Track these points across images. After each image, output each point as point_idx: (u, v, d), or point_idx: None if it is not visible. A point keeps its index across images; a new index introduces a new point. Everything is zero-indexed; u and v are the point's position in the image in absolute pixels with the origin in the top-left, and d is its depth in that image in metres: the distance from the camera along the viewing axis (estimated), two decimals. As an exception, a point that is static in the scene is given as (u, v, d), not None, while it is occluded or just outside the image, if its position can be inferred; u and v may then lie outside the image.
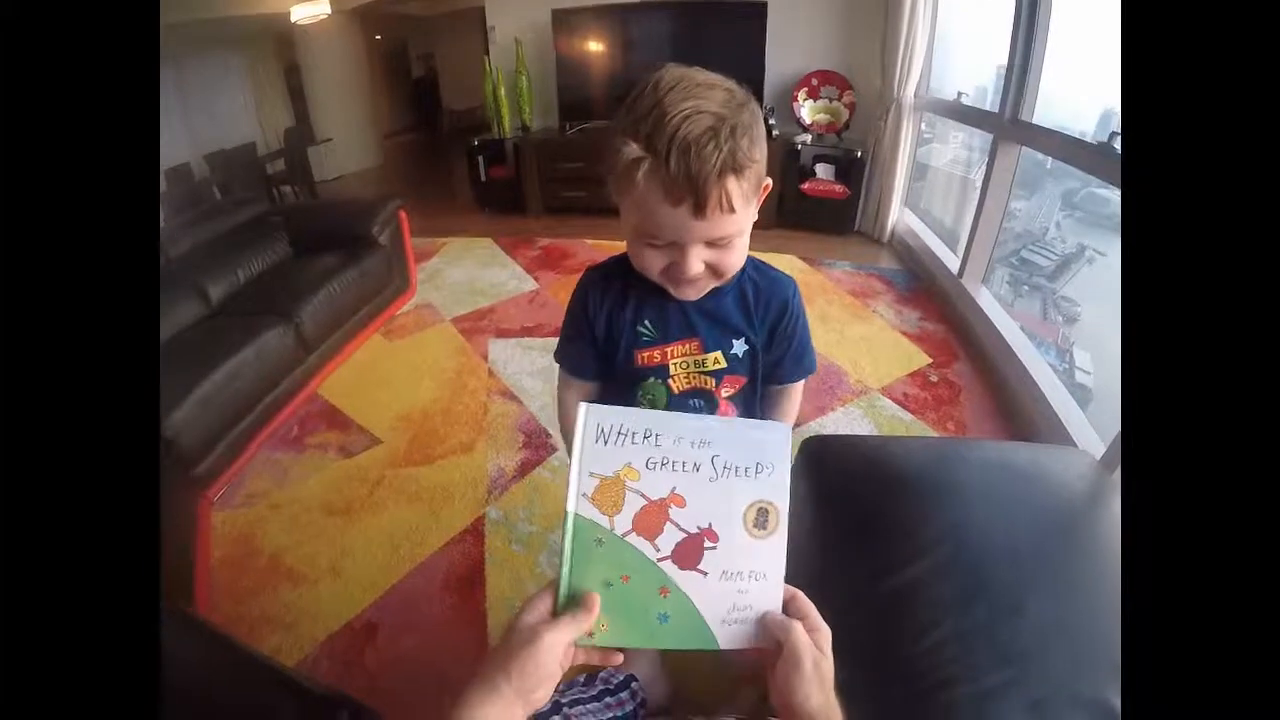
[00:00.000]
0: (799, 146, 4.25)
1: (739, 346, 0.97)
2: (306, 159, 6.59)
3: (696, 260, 0.79)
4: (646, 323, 0.95)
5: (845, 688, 1.06)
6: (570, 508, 0.61)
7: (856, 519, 1.23)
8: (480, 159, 4.98)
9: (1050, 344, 2.82)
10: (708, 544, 0.63)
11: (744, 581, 0.64)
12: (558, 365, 1.07)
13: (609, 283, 0.97)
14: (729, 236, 0.78)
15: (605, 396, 1.04)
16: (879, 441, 1.67)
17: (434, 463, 2.25)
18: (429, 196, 5.77)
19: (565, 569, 0.61)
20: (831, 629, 1.14)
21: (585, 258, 3.88)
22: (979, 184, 3.03)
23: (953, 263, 3.24)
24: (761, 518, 0.64)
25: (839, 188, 4.20)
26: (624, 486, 0.61)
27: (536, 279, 3.74)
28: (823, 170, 4.28)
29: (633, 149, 0.72)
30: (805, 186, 4.26)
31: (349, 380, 2.81)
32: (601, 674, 1.08)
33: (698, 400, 0.99)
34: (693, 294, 0.89)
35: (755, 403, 1.05)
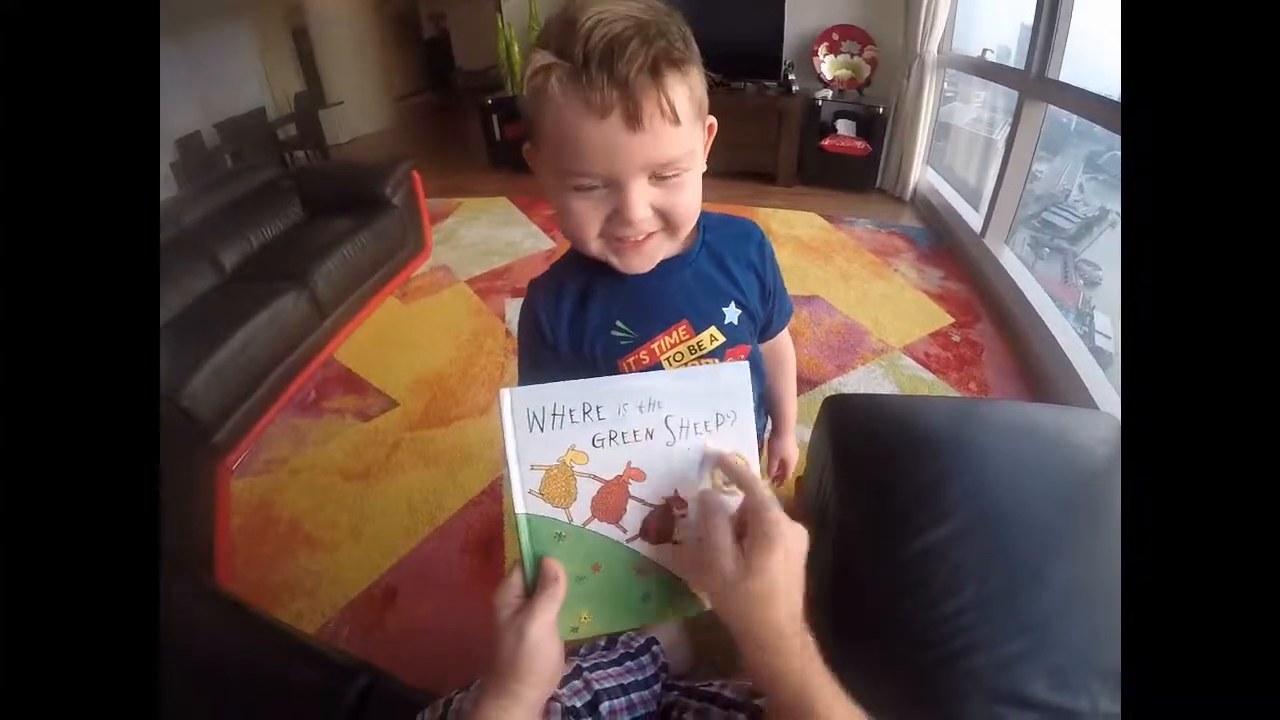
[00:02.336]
0: (819, 103, 4.12)
1: (731, 313, 0.82)
2: (318, 123, 6.52)
3: (641, 199, 0.62)
4: (619, 323, 0.78)
5: (867, 655, 1.06)
6: (518, 509, 0.55)
7: (878, 479, 1.20)
8: (494, 117, 4.90)
9: (1071, 307, 2.76)
10: (678, 512, 0.58)
11: None
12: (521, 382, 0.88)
13: (559, 288, 0.81)
14: (676, 162, 0.61)
15: None
16: (901, 401, 1.63)
17: (451, 425, 2.24)
18: (443, 157, 5.68)
19: (528, 566, 0.56)
20: (854, 592, 1.10)
21: (603, 216, 3.80)
22: (1002, 144, 2.95)
23: (976, 222, 3.17)
24: (728, 472, 0.59)
25: (860, 144, 4.09)
26: (572, 473, 0.55)
27: (553, 237, 3.68)
28: (843, 126, 4.16)
29: (541, 56, 0.58)
30: (826, 143, 4.15)
31: (365, 344, 2.79)
32: (622, 637, 1.07)
33: None
34: (643, 262, 0.71)
35: (761, 369, 0.96)
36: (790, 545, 0.54)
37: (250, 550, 1.82)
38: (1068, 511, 1.13)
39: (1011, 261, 2.81)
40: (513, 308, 2.93)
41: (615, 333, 0.78)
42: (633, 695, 0.92)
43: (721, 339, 0.81)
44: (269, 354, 2.32)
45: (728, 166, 4.32)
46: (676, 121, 0.59)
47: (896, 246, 3.38)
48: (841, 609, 1.18)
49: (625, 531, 0.57)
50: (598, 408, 0.54)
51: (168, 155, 4.91)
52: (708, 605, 0.60)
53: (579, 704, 0.84)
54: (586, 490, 0.56)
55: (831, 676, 0.57)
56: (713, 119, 0.68)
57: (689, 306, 0.79)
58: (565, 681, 0.87)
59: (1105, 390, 2.00)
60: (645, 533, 0.58)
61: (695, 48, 0.62)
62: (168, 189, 3.02)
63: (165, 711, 0.90)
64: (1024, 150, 2.73)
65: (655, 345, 0.79)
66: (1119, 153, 3.14)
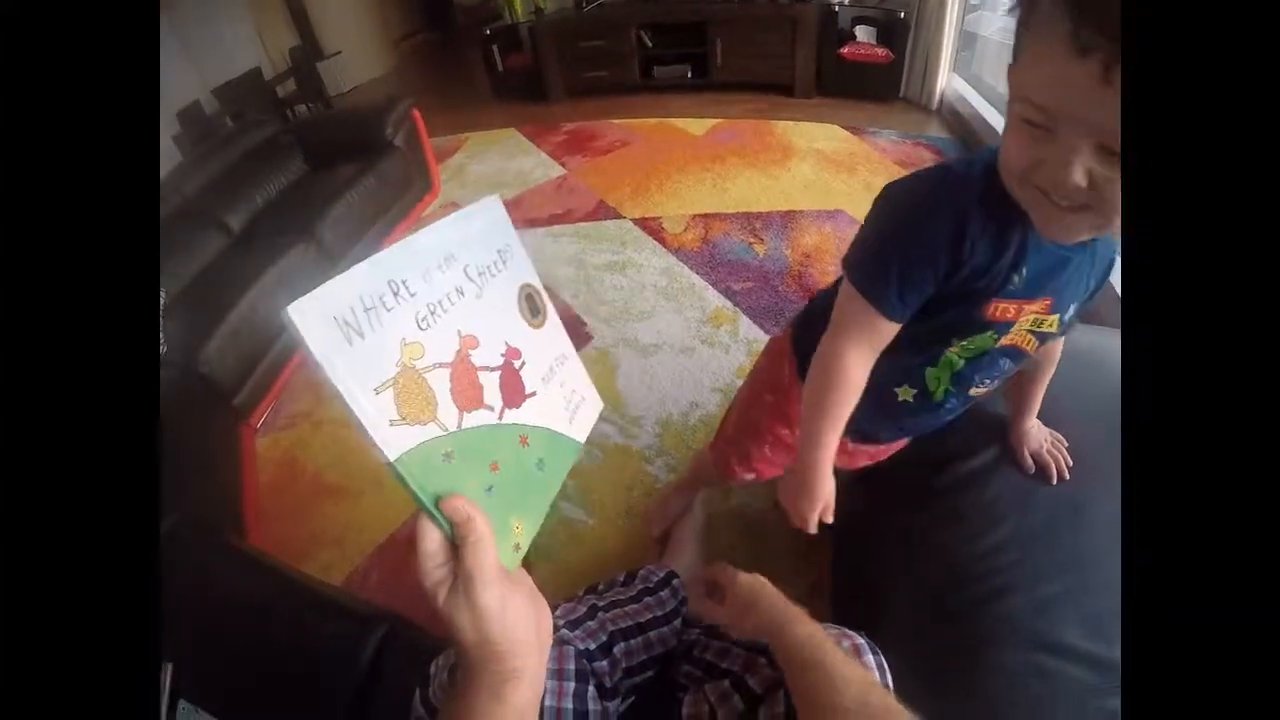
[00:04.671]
0: (835, 8, 3.87)
1: (1072, 310, 0.78)
2: (318, 75, 6.37)
3: (1079, 166, 0.53)
4: (1023, 270, 0.70)
5: (902, 597, 0.99)
6: (388, 456, 0.43)
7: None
8: (495, 48, 4.73)
9: None
10: (516, 363, 0.54)
11: (560, 375, 0.59)
12: (860, 293, 0.74)
13: (993, 206, 0.67)
14: None
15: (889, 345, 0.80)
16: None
17: (471, 364, 2.20)
18: (448, 94, 5.54)
19: (434, 515, 0.45)
20: (891, 523, 1.07)
21: (613, 138, 3.68)
22: None
23: None
24: (530, 304, 0.57)
25: (881, 51, 3.84)
26: (417, 373, 0.45)
27: (563, 164, 3.55)
28: (863, 33, 3.92)
29: None
30: (845, 51, 3.90)
31: (380, 288, 2.74)
32: (641, 572, 1.04)
33: (1008, 360, 0.82)
34: (1061, 233, 0.65)
35: None
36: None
37: (279, 504, 1.81)
38: (1111, 441, 1.05)
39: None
40: (525, 239, 2.76)
41: (1014, 274, 0.70)
42: (650, 634, 0.90)
43: (1055, 329, 0.78)
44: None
45: (741, 78, 4.14)
46: None
47: (924, 158, 3.20)
48: (871, 543, 1.13)
49: (492, 409, 0.50)
50: (404, 282, 0.45)
51: (169, 129, 4.82)
52: (580, 439, 0.60)
53: (593, 646, 0.83)
54: (441, 385, 0.47)
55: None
56: None
57: (1064, 288, 0.74)
58: (579, 623, 0.86)
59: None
60: (508, 399, 0.52)
61: None
62: (172, 161, 2.97)
63: (194, 667, 0.91)
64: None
65: (1028, 305, 0.74)
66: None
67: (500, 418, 0.51)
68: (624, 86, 4.41)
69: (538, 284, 0.58)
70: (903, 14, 3.72)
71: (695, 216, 2.84)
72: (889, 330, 0.76)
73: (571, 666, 0.77)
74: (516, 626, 0.47)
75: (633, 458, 1.77)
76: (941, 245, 0.68)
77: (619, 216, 2.90)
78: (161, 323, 1.97)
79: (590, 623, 0.87)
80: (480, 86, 5.18)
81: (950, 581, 0.94)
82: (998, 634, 0.87)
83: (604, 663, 0.82)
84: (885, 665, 0.73)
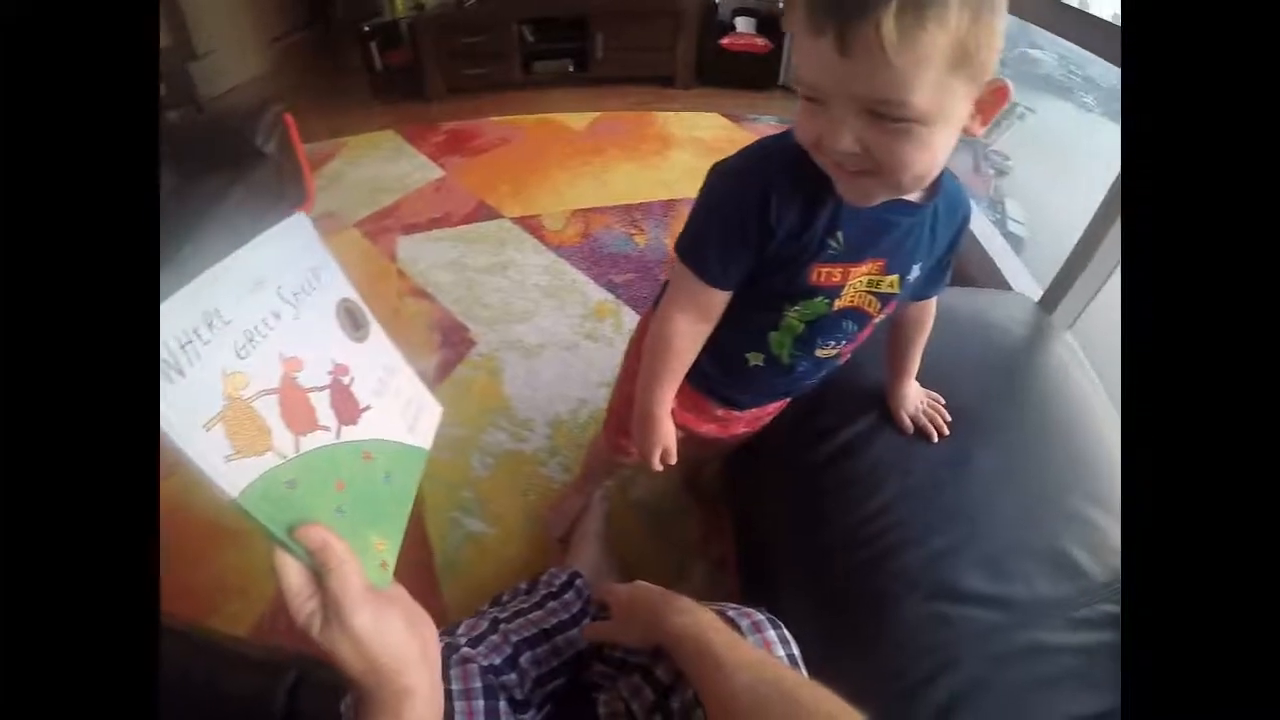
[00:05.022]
0: (716, 1, 3.97)
1: (915, 271, 0.83)
2: (189, 77, 6.02)
3: (843, 128, 0.60)
4: (839, 235, 0.75)
5: (796, 565, 1.05)
6: (229, 495, 0.42)
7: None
8: (373, 45, 4.59)
9: (982, 195, 2.89)
10: (345, 379, 0.54)
11: (393, 385, 0.59)
12: (683, 262, 0.82)
13: (800, 176, 0.73)
14: (892, 104, 0.57)
15: (731, 313, 0.87)
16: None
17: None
18: (326, 96, 5.30)
19: (289, 546, 0.45)
20: (774, 499, 1.13)
21: (494, 136, 3.64)
22: None
23: None
24: (351, 318, 0.57)
25: (760, 41, 3.95)
26: (244, 403, 0.44)
27: (442, 165, 3.47)
28: (743, 24, 4.01)
29: None
30: (725, 41, 3.99)
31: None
32: (544, 577, 1.04)
33: (850, 322, 0.87)
34: (855, 196, 0.70)
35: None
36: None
37: (179, 555, 1.71)
38: (989, 397, 1.13)
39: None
40: (404, 246, 2.78)
41: (830, 240, 0.76)
42: (557, 639, 0.90)
43: (896, 290, 0.83)
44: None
45: (623, 71, 4.17)
46: (890, 59, 0.53)
47: (800, 140, 3.30)
48: (766, 520, 1.17)
49: (328, 429, 0.50)
50: (217, 310, 0.44)
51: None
52: (426, 446, 0.61)
53: (498, 660, 0.82)
54: (271, 412, 0.46)
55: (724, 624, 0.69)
56: (1005, 83, 0.61)
57: (896, 250, 0.79)
58: (482, 639, 0.85)
59: (1020, 274, 2.04)
60: (343, 417, 0.52)
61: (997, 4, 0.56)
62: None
63: None
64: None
65: (854, 269, 0.79)
66: (1027, 50, 3.24)
67: (338, 436, 0.51)
68: (506, 83, 4.35)
69: (355, 297, 0.58)
70: (781, 4, 3.81)
71: (576, 212, 2.85)
72: (717, 297, 0.83)
73: (478, 684, 0.76)
74: (399, 645, 0.47)
75: (526, 462, 1.77)
76: (750, 213, 0.75)
77: (499, 216, 2.88)
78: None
79: (493, 636, 0.86)
80: (358, 87, 5.01)
81: (843, 546, 0.98)
82: (896, 590, 0.90)
83: (512, 675, 0.81)
84: (789, 638, 0.75)
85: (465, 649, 0.81)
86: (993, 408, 1.10)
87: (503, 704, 0.77)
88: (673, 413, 1.03)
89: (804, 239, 0.76)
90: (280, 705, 0.94)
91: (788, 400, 1.12)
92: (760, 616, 0.76)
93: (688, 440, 1.29)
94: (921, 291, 0.93)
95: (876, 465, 1.04)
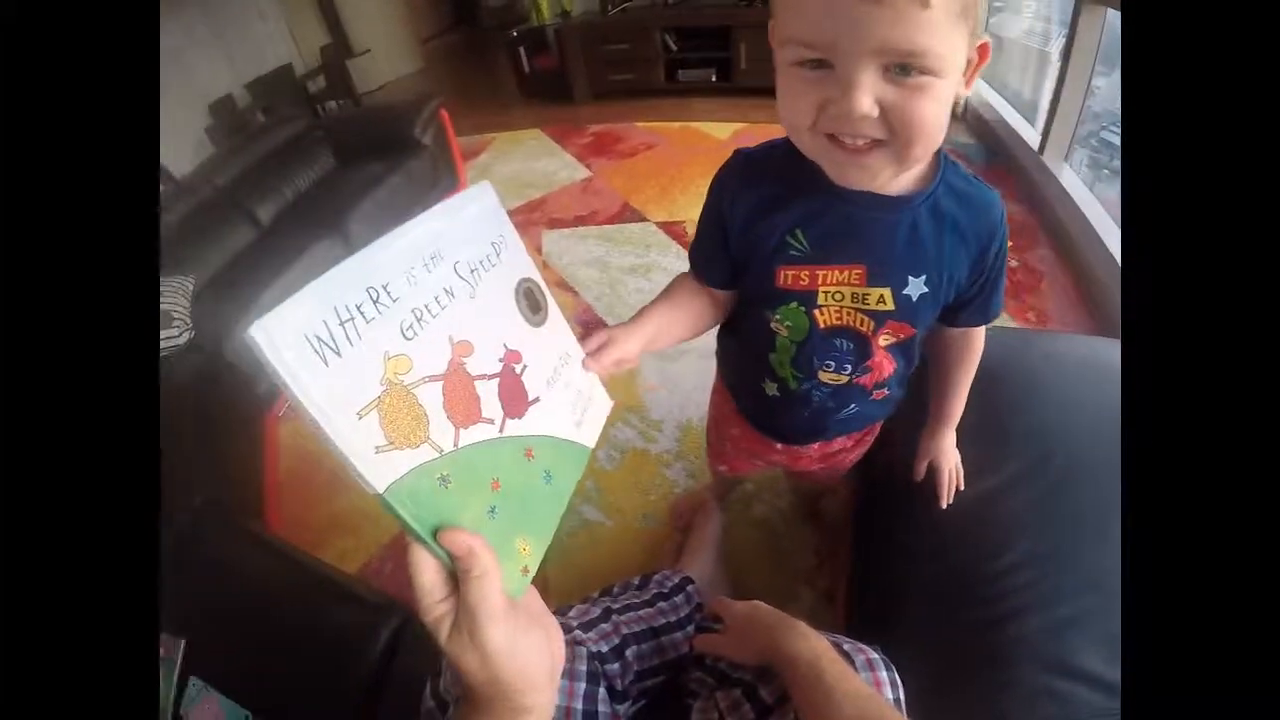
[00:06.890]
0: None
1: (915, 286, 0.70)
2: (347, 73, 6.43)
3: (865, 91, 0.51)
4: (799, 232, 0.69)
5: (914, 614, 0.98)
6: (375, 488, 0.39)
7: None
8: (521, 50, 4.77)
9: None
10: (518, 367, 0.49)
11: (565, 375, 0.55)
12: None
13: (758, 170, 0.72)
14: (921, 55, 0.50)
15: (735, 319, 0.86)
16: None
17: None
18: (474, 94, 5.58)
19: (431, 546, 0.41)
20: (909, 539, 1.07)
21: (639, 141, 3.69)
22: (1056, 58, 2.74)
23: (1032, 139, 2.91)
24: (531, 300, 0.52)
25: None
26: (405, 390, 0.40)
27: (589, 166, 3.56)
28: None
29: None
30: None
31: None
32: (656, 576, 1.04)
33: (846, 342, 0.76)
34: (860, 175, 0.61)
35: (915, 353, 0.83)
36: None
37: (298, 492, 1.83)
38: None
39: (1073, 182, 2.57)
40: (549, 240, 2.86)
41: (790, 239, 0.69)
42: (663, 639, 0.90)
43: (889, 306, 0.71)
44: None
45: (765, 82, 3.98)
46: (926, 3, 0.47)
47: (951, 164, 3.17)
48: (892, 557, 1.11)
49: (492, 422, 0.46)
50: (385, 287, 0.40)
51: (202, 120, 4.89)
52: (590, 444, 0.56)
53: (606, 648, 0.83)
54: (433, 400, 0.42)
55: (838, 655, 0.69)
56: (986, 38, 0.55)
57: (873, 254, 0.68)
58: (593, 624, 0.87)
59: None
60: (510, 409, 0.47)
61: None
62: (203, 153, 3.01)
63: (207, 645, 0.94)
64: (1083, 59, 2.48)
65: (822, 273, 0.70)
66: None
67: (501, 430, 0.46)
68: (649, 89, 4.43)
69: (537, 276, 0.54)
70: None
71: (718, 222, 2.83)
72: (717, 296, 0.82)
73: (583, 668, 0.77)
74: (528, 664, 0.44)
75: (651, 461, 1.76)
76: (712, 203, 0.76)
77: (643, 219, 2.91)
78: (190, 309, 2.02)
79: (604, 625, 0.87)
80: (506, 87, 5.23)
81: (966, 600, 0.93)
82: (1012, 654, 0.86)
83: (616, 665, 0.82)
84: (898, 681, 0.73)
85: (576, 631, 0.83)
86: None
87: (601, 690, 0.77)
88: (744, 447, 1.01)
89: (760, 230, 0.71)
90: (383, 644, 0.96)
91: (856, 434, 1.02)
92: (874, 655, 0.74)
93: (789, 472, 1.23)
94: (952, 315, 0.80)
95: (1015, 520, 0.96)
